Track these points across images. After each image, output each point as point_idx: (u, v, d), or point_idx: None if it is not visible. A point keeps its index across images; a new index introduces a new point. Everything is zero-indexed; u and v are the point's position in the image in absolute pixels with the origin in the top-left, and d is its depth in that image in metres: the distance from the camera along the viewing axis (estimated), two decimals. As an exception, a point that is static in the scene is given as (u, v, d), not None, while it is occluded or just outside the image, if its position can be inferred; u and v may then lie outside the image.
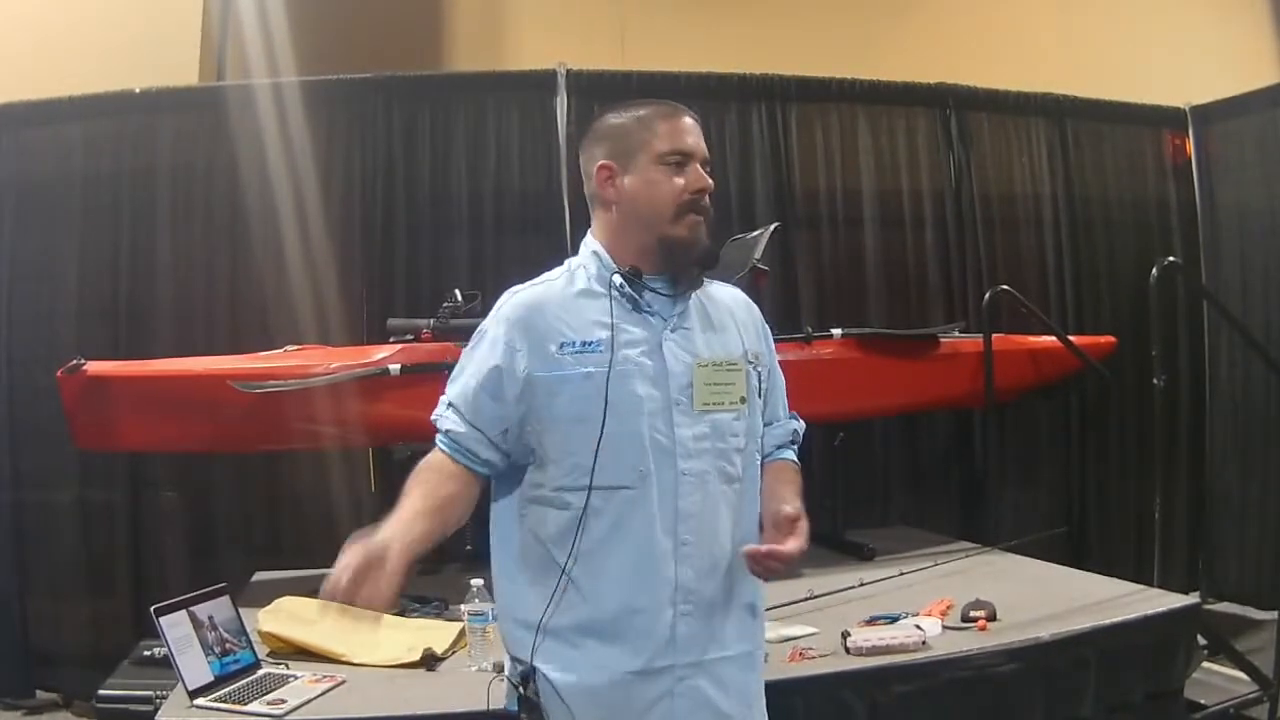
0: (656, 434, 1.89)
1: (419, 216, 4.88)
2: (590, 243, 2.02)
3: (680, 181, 1.93)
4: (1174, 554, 5.32)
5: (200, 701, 2.64)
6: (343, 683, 2.78)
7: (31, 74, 4.83)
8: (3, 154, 4.69)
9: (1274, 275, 5.32)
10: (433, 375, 3.56)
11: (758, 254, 3.93)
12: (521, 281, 2.02)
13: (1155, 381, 4.28)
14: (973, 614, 3.15)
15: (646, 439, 1.88)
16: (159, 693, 2.93)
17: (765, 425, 2.08)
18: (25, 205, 4.68)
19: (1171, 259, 4.69)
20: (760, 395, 2.04)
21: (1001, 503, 5.16)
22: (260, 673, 2.86)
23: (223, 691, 2.70)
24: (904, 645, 2.89)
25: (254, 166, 4.64)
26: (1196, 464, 5.64)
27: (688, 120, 1.98)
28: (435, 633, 3.14)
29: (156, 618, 2.72)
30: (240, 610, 2.99)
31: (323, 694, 2.71)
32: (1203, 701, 3.75)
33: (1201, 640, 3.83)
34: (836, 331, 4.26)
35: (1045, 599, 3.37)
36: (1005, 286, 4.63)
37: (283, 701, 2.63)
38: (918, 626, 3.02)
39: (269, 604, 3.24)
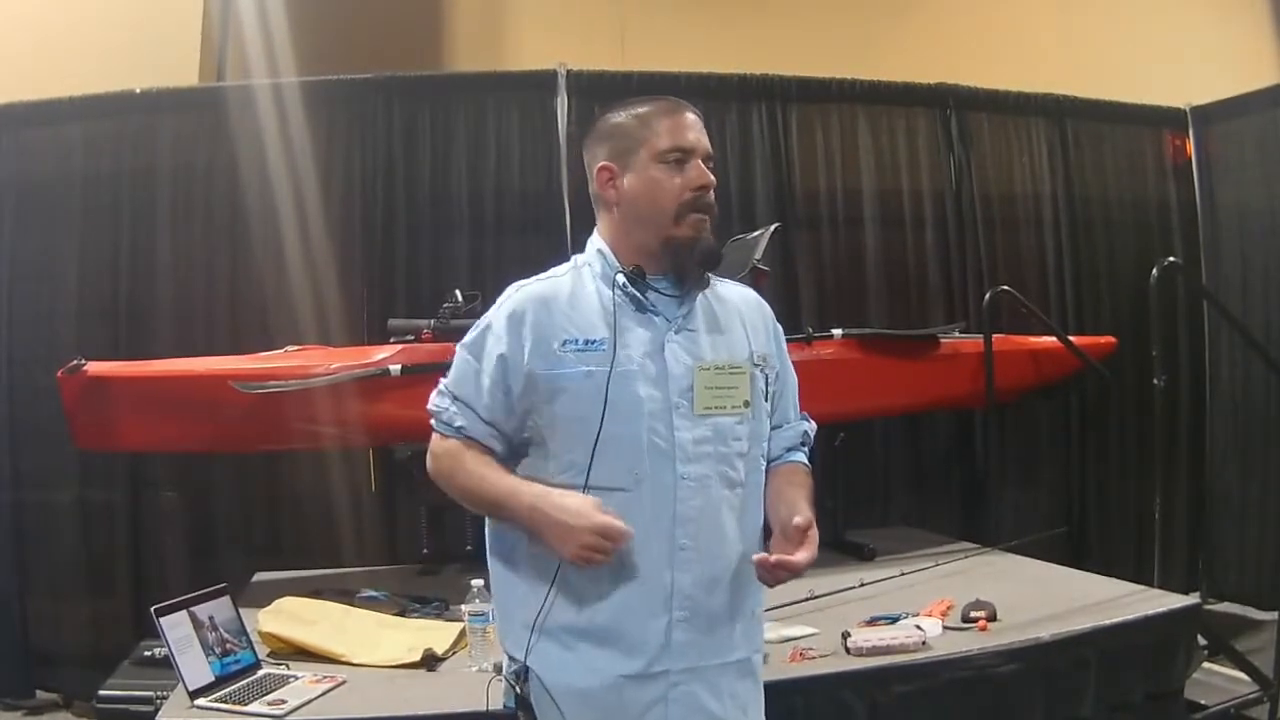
0: (655, 437, 1.87)
1: (419, 217, 4.88)
2: (596, 241, 2.01)
3: (681, 179, 1.91)
4: (1174, 554, 5.32)
5: (201, 702, 2.64)
6: (343, 683, 2.78)
7: (32, 74, 4.83)
8: (3, 154, 4.69)
9: (1274, 275, 5.32)
10: (433, 376, 3.56)
11: (758, 254, 3.93)
12: (517, 279, 2.01)
13: (1155, 382, 4.28)
14: (973, 614, 3.15)
15: (644, 441, 1.86)
16: (159, 693, 2.93)
17: (774, 428, 2.06)
18: (25, 205, 4.68)
19: (1172, 259, 4.69)
20: (767, 398, 2.01)
21: (1002, 503, 5.16)
22: (261, 673, 2.86)
23: (223, 692, 2.70)
24: (904, 645, 2.89)
25: (254, 167, 4.64)
26: (1197, 464, 5.64)
27: (689, 116, 1.95)
28: (435, 633, 3.14)
29: (157, 618, 2.72)
30: (241, 610, 2.99)
31: (323, 694, 2.71)
32: (1203, 702, 3.75)
33: (1202, 640, 3.83)
34: (837, 332, 4.26)
35: (1045, 599, 3.37)
36: (1005, 287, 4.63)
37: (283, 702, 2.63)
38: (918, 627, 3.02)
39: (269, 604, 3.24)
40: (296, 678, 2.81)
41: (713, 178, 1.94)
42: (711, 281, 2.00)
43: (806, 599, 3.34)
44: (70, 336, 4.55)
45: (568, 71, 4.91)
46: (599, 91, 4.86)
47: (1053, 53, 6.33)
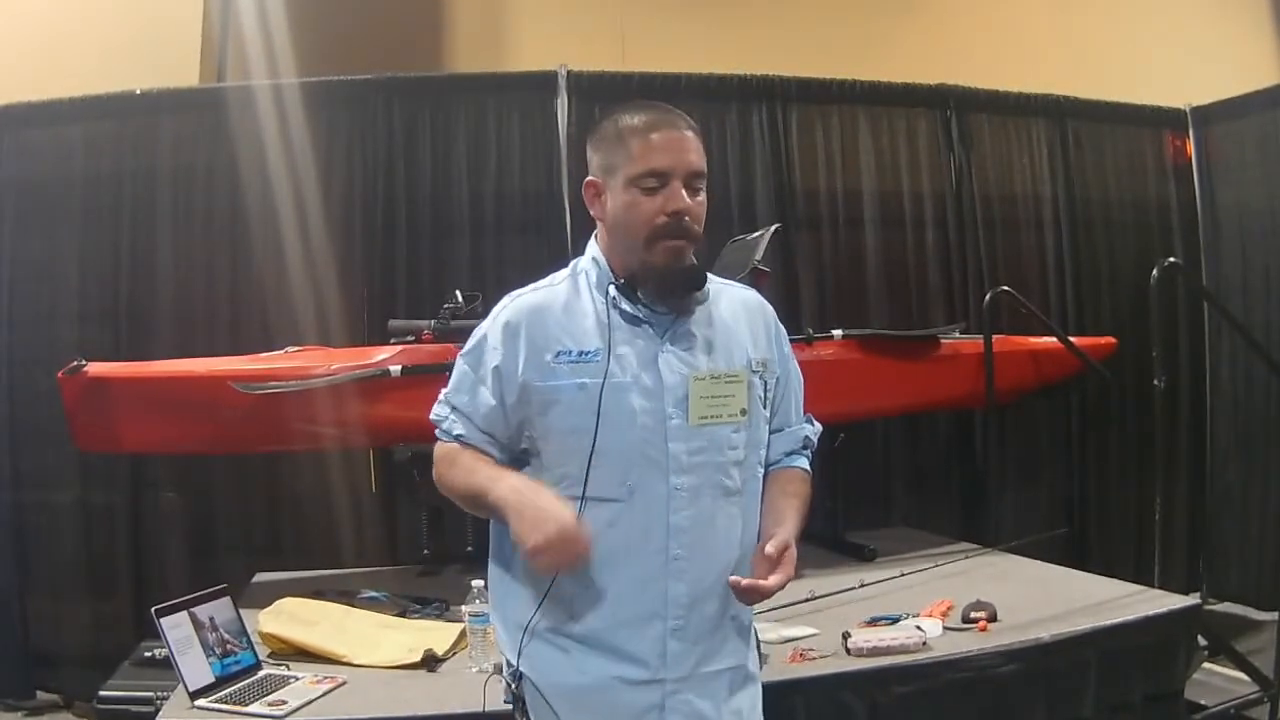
0: (648, 448, 1.85)
1: (419, 217, 4.88)
2: (593, 247, 1.99)
3: (655, 204, 1.84)
4: (1174, 555, 5.32)
5: (201, 702, 2.64)
6: (343, 684, 2.78)
7: (32, 75, 4.83)
8: (3, 155, 4.69)
9: (1274, 276, 5.32)
10: (434, 376, 3.57)
11: (758, 255, 3.93)
12: (521, 284, 2.00)
13: (1156, 382, 4.27)
14: (973, 615, 3.15)
15: (636, 453, 1.85)
16: (160, 694, 2.93)
17: (774, 431, 2.04)
18: (26, 206, 4.68)
19: (1172, 260, 4.69)
20: (766, 404, 1.99)
21: (1002, 503, 5.17)
22: (261, 674, 2.86)
23: (223, 692, 2.70)
24: (904, 646, 2.89)
25: (254, 167, 4.65)
26: (1197, 465, 5.64)
27: (672, 134, 1.87)
28: (436, 634, 3.14)
29: (157, 619, 2.72)
30: (241, 611, 2.99)
31: (323, 695, 2.71)
32: (1203, 702, 3.74)
33: (1202, 641, 3.83)
34: (837, 332, 4.26)
35: (1046, 600, 3.37)
36: (1006, 287, 4.63)
37: (283, 702, 2.63)
38: (918, 627, 3.02)
39: (270, 605, 3.25)
40: (297, 678, 2.82)
41: (689, 202, 1.86)
42: (708, 289, 1.96)
43: (807, 599, 3.35)
44: (71, 337, 4.55)
45: (568, 72, 4.91)
46: (599, 92, 4.87)
47: (1053, 53, 6.32)
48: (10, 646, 4.57)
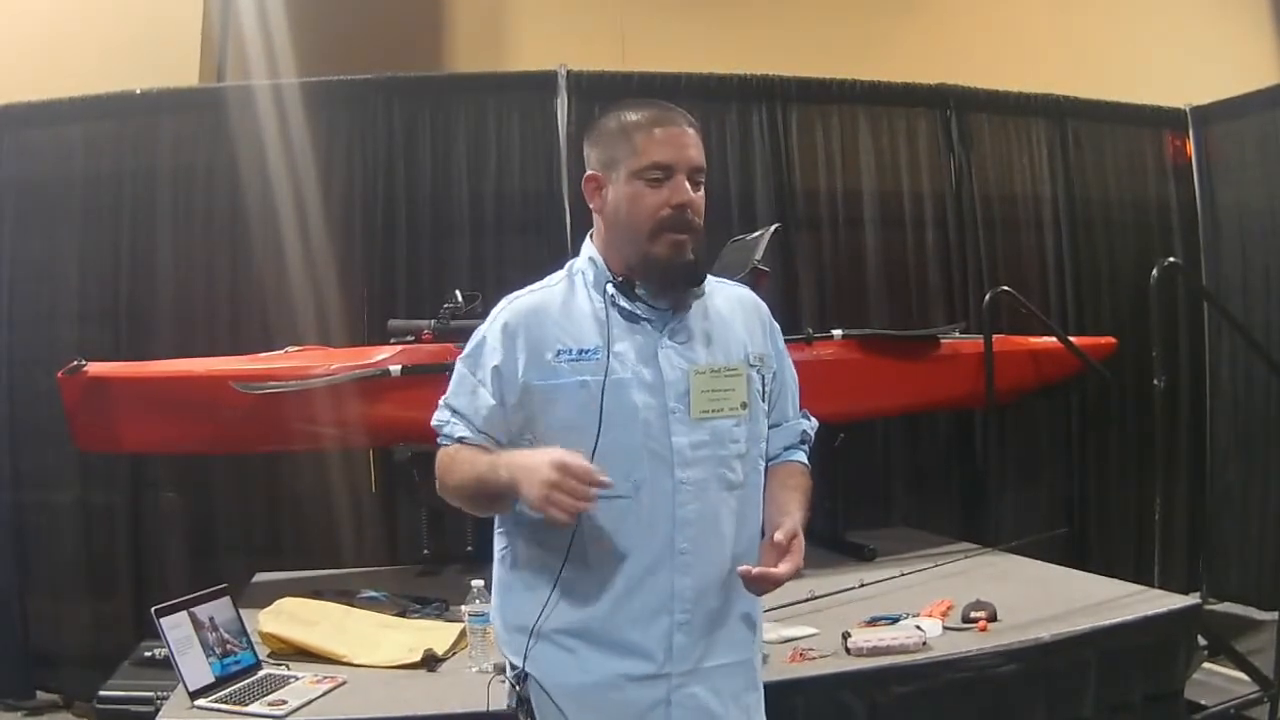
0: (652, 443, 1.87)
1: (419, 217, 4.88)
2: (589, 247, 2.00)
3: (660, 196, 1.87)
4: (1174, 555, 5.32)
5: (201, 702, 2.65)
6: (343, 683, 2.78)
7: (32, 75, 4.83)
8: (3, 154, 4.69)
9: (1274, 276, 5.32)
10: (434, 376, 3.57)
11: (758, 255, 3.93)
12: (521, 284, 2.01)
13: (1156, 382, 4.28)
14: (973, 615, 3.15)
15: (641, 448, 1.86)
16: (160, 694, 2.92)
17: (772, 427, 2.05)
18: (26, 206, 4.68)
19: (1172, 260, 4.69)
20: (764, 399, 2.01)
21: (1002, 503, 5.16)
22: (261, 673, 2.86)
23: (223, 692, 2.70)
24: (904, 646, 2.89)
25: (254, 167, 4.65)
26: (1197, 464, 5.64)
27: (675, 130, 1.90)
28: (436, 633, 3.14)
29: (157, 618, 2.72)
30: (241, 611, 2.99)
31: (323, 695, 2.71)
32: (1203, 702, 3.74)
33: (1202, 641, 3.83)
34: (837, 332, 4.26)
35: (1046, 600, 3.37)
36: (1006, 287, 4.64)
37: (283, 702, 2.63)
38: (918, 627, 3.02)
39: (270, 605, 3.25)
40: (297, 678, 2.82)
41: (693, 195, 1.89)
42: (704, 287, 1.98)
43: (807, 599, 3.35)
44: (71, 337, 4.56)
45: (568, 72, 4.91)
46: (599, 92, 4.86)
47: (1053, 53, 6.33)
48: (10, 646, 4.57)
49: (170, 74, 5.01)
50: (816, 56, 5.70)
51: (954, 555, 4.07)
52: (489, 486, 1.85)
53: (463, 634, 3.04)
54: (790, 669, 2.81)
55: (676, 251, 1.88)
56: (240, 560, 4.45)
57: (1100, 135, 5.66)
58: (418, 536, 4.50)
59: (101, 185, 4.71)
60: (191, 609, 2.82)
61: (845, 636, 2.94)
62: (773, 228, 4.20)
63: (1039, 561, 4.08)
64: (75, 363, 3.58)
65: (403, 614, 3.49)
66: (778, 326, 2.12)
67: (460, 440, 1.93)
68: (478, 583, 2.84)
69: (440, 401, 1.99)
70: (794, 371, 2.14)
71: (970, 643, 2.98)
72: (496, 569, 2.01)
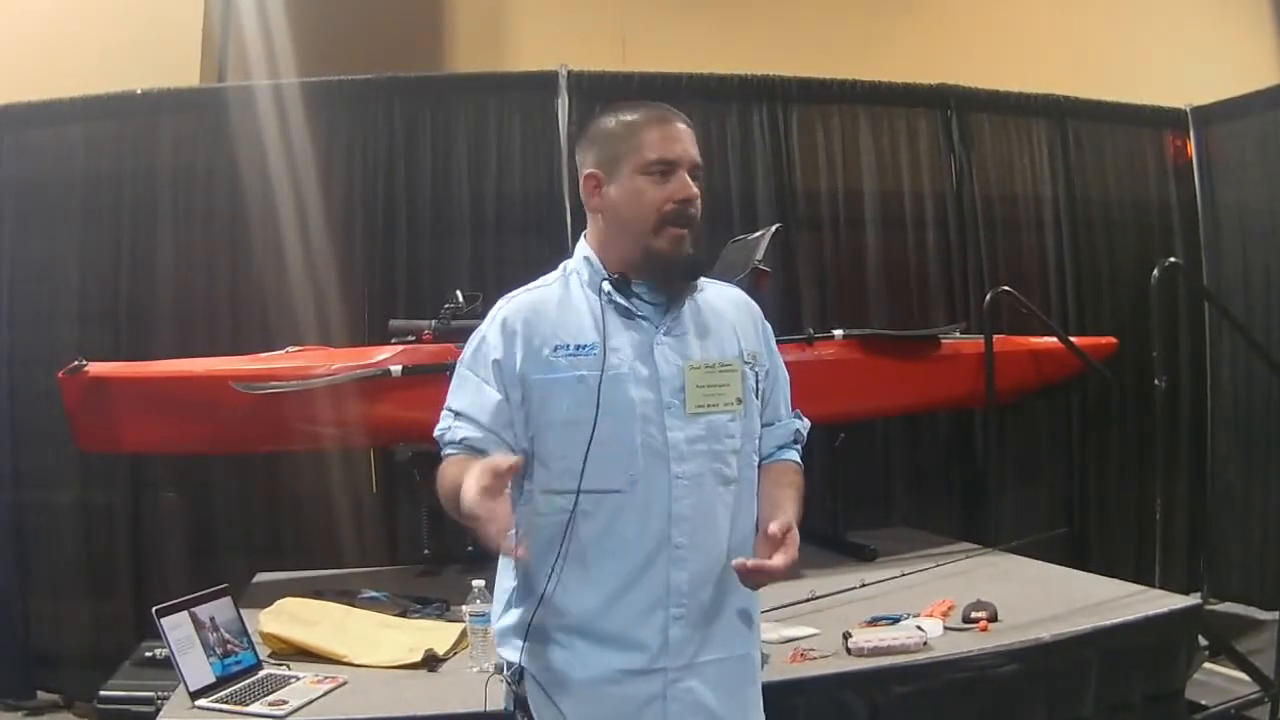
0: (648, 438, 1.88)
1: (420, 217, 4.88)
2: (583, 247, 2.02)
3: (664, 191, 1.90)
4: (1175, 554, 5.33)
5: (202, 702, 2.64)
6: (344, 683, 2.78)
7: (32, 75, 4.83)
8: (4, 155, 4.70)
9: (1275, 276, 5.32)
10: (434, 376, 3.58)
11: (759, 255, 3.93)
12: (522, 284, 2.02)
13: (1156, 382, 4.28)
14: (974, 615, 3.15)
15: (637, 443, 1.88)
16: (160, 694, 2.92)
17: (765, 425, 2.06)
18: (26, 206, 4.68)
19: (1172, 260, 4.69)
20: (758, 395, 2.02)
21: (1002, 503, 5.16)
22: (262, 674, 2.86)
23: (224, 692, 2.70)
24: (905, 646, 2.89)
25: (255, 167, 4.65)
26: (1198, 464, 5.64)
27: (677, 126, 1.94)
28: (436, 633, 3.14)
29: (158, 618, 2.72)
30: (242, 611, 2.99)
31: (324, 695, 2.71)
32: (1204, 702, 3.74)
33: (1203, 641, 3.83)
34: (838, 332, 4.26)
35: (1046, 600, 3.37)
36: (1006, 287, 4.64)
37: (284, 702, 2.63)
38: (919, 627, 3.02)
39: (270, 605, 3.24)
40: (297, 678, 2.82)
41: (696, 190, 1.93)
42: (698, 285, 2.01)
43: (807, 599, 3.35)
44: (71, 337, 4.56)
45: (569, 72, 4.91)
46: (600, 92, 4.86)
47: (1053, 53, 6.32)
48: (11, 646, 4.58)
49: (171, 74, 5.01)
50: (817, 57, 5.70)
51: (955, 555, 4.07)
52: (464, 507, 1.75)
53: (463, 634, 3.04)
54: (791, 669, 2.81)
55: (678, 245, 1.92)
56: (241, 560, 4.45)
57: (1101, 135, 5.66)
58: (418, 536, 4.50)
59: (102, 185, 4.71)
60: (192, 609, 2.81)
61: (846, 636, 2.94)
62: (773, 228, 4.19)
63: (1040, 561, 4.08)
64: (76, 363, 3.58)
65: (403, 614, 3.48)
66: (769, 326, 2.13)
67: (463, 442, 1.91)
68: (478, 583, 2.84)
69: (444, 410, 1.98)
70: (785, 371, 2.15)
71: (971, 643, 2.98)
72: (500, 570, 2.01)
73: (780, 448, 2.12)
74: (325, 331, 4.56)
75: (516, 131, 4.96)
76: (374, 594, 3.63)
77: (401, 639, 3.10)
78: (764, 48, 5.95)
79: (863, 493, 5.00)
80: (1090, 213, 5.59)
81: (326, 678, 2.80)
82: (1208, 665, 4.00)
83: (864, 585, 3.56)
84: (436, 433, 1.97)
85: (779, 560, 1.82)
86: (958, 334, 4.64)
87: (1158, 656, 3.18)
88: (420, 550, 4.44)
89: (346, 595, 3.59)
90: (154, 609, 2.75)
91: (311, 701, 2.66)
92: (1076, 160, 5.59)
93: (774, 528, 1.84)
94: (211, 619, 2.84)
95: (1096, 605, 3.29)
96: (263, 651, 2.98)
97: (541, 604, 1.89)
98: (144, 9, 5.29)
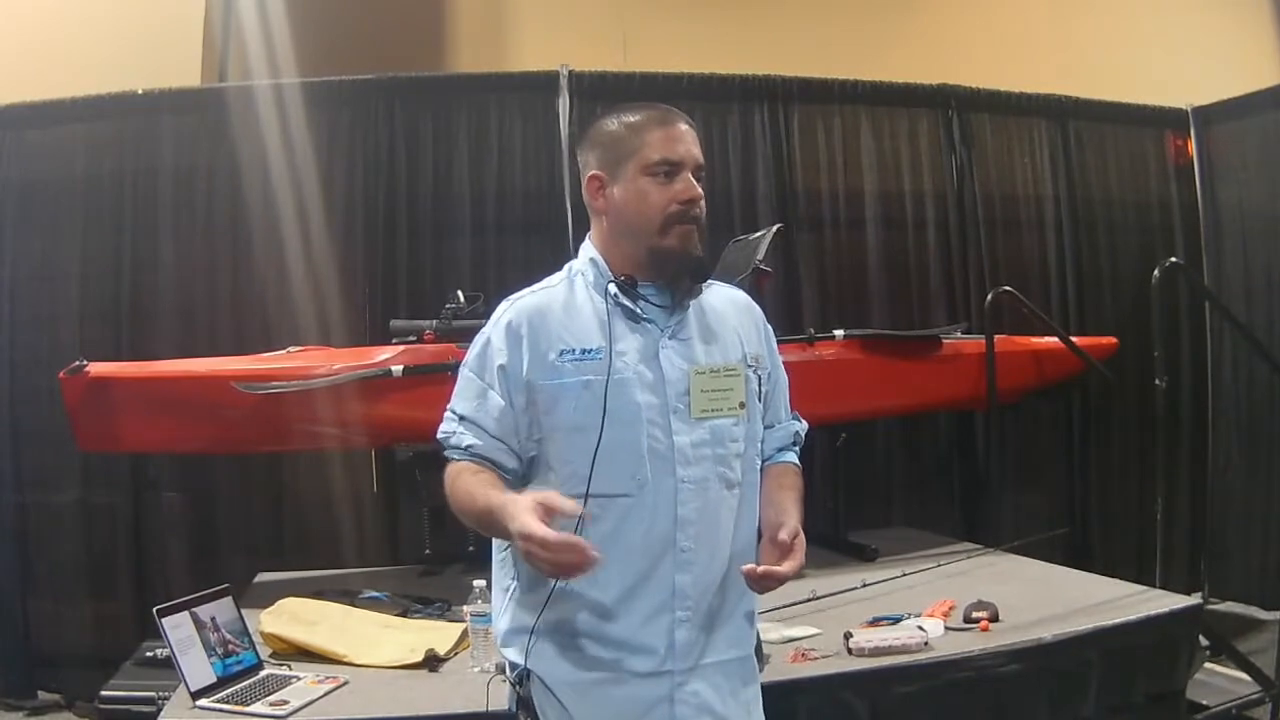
0: (654, 442, 1.88)
1: (421, 217, 4.88)
2: (588, 248, 2.01)
3: (669, 191, 1.90)
4: (1176, 555, 5.33)
5: (203, 702, 2.64)
6: (345, 684, 2.78)
7: (33, 75, 4.83)
8: (5, 155, 4.69)
9: (1276, 276, 5.32)
10: (435, 376, 3.58)
11: (760, 255, 3.93)
12: (523, 284, 2.01)
13: (1157, 382, 4.28)
14: (975, 615, 3.15)
15: (644, 447, 1.87)
16: (161, 694, 2.92)
17: (766, 428, 2.07)
18: (27, 206, 4.68)
19: (1174, 260, 4.69)
20: (760, 399, 2.02)
21: (1003, 504, 5.16)
22: (263, 674, 2.86)
23: (225, 692, 2.70)
24: (906, 646, 2.89)
25: (256, 168, 4.65)
26: (1199, 464, 5.63)
27: (680, 127, 1.93)
28: (437, 634, 3.14)
29: (159, 619, 2.72)
30: (243, 611, 2.98)
31: (325, 695, 2.71)
32: (1205, 702, 3.74)
33: (1204, 641, 3.82)
34: (839, 333, 4.26)
35: (1047, 600, 3.37)
36: (1007, 288, 4.63)
37: (285, 702, 2.63)
38: (920, 627, 3.02)
39: (271, 605, 3.24)
40: (298, 678, 2.82)
41: (700, 190, 1.93)
42: (700, 290, 2.01)
43: (808, 599, 3.35)
44: (72, 338, 4.57)
45: (570, 72, 4.91)
46: (601, 92, 4.87)
47: (1054, 54, 6.32)
48: (12, 646, 4.58)
49: (172, 74, 5.01)
50: (818, 57, 5.69)
51: (956, 555, 4.07)
52: (498, 530, 1.81)
53: (464, 634, 3.04)
54: (792, 669, 2.81)
55: (686, 243, 1.92)
56: (242, 560, 4.45)
57: (1102, 135, 5.66)
58: (419, 537, 4.50)
59: (103, 186, 4.71)
60: (193, 609, 2.81)
61: (847, 637, 2.94)
62: (774, 228, 4.19)
63: (1041, 562, 4.08)
64: (77, 363, 3.58)
65: (404, 614, 3.48)
66: (770, 327, 2.13)
67: (468, 449, 1.91)
68: (479, 583, 2.84)
69: (446, 412, 1.97)
70: (785, 374, 2.15)
71: (972, 643, 2.98)
72: (497, 564, 2.01)
73: (780, 449, 2.12)
74: (326, 331, 4.56)
75: (518, 131, 4.96)
76: (375, 594, 3.63)
77: (402, 639, 3.10)
78: (765, 48, 5.95)
79: (864, 493, 5.00)
80: (1091, 213, 5.59)
81: (327, 678, 2.80)
82: (1209, 665, 3.99)
83: (865, 585, 3.57)
84: (440, 435, 1.96)
85: (788, 566, 1.83)
86: (959, 334, 4.64)
87: (1159, 656, 3.18)
88: (421, 550, 4.44)
89: (347, 595, 3.59)
90: (155, 609, 2.75)
91: (312, 702, 2.66)
92: (1077, 160, 5.59)
93: (783, 534, 1.86)
94: (212, 619, 2.84)
95: (1098, 605, 3.29)
96: (264, 651, 2.98)
97: (547, 606, 1.89)
98: (145, 9, 5.28)
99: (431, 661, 2.93)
